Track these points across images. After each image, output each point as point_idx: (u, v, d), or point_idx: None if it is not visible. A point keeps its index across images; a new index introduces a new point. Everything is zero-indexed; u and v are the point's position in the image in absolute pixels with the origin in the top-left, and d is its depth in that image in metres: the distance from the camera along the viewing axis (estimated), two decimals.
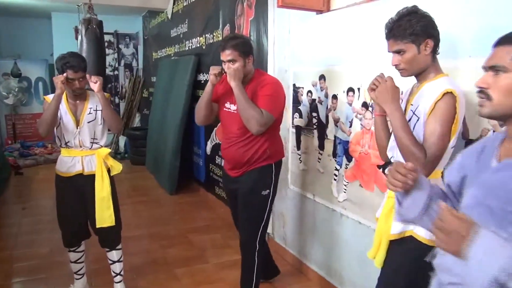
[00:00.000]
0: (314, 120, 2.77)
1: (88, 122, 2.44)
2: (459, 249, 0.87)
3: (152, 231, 3.83)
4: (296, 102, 2.96)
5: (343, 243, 2.56)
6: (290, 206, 3.13)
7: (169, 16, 5.70)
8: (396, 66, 1.56)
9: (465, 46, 1.70)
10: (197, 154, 5.02)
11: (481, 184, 1.03)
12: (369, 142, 2.28)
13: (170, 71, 5.49)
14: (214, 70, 2.27)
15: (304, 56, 2.84)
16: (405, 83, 1.69)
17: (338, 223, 2.59)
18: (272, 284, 2.84)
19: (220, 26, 4.13)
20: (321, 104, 2.69)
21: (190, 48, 5.07)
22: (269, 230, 3.31)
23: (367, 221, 2.32)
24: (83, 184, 2.46)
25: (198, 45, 4.78)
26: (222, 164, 2.84)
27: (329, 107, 2.61)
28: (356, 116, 2.37)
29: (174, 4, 5.51)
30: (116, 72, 7.81)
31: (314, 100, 2.76)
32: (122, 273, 2.66)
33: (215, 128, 4.35)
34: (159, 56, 6.46)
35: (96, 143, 2.48)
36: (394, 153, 1.64)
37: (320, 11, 2.67)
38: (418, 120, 1.51)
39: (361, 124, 2.34)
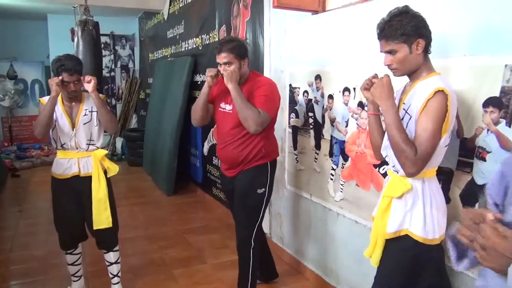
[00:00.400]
0: (311, 120, 2.78)
1: (84, 124, 2.43)
2: (504, 269, 0.83)
3: (149, 232, 3.82)
4: (293, 102, 2.97)
5: (340, 242, 2.57)
6: (287, 206, 3.14)
7: (165, 17, 5.70)
8: (389, 66, 1.57)
9: (460, 45, 1.71)
10: (194, 155, 5.02)
11: None
12: (365, 142, 2.29)
13: (167, 72, 5.48)
14: (210, 72, 2.30)
15: (300, 56, 2.85)
16: (398, 82, 1.70)
17: (335, 222, 2.60)
18: (270, 284, 2.85)
19: (216, 27, 4.13)
20: (317, 104, 2.70)
21: (186, 49, 5.07)
22: (266, 230, 3.31)
23: (363, 220, 2.33)
24: (79, 186, 2.44)
25: (195, 46, 4.79)
26: (219, 165, 2.84)
27: (325, 107, 2.62)
28: (352, 116, 2.38)
29: (170, 5, 5.51)
30: (112, 74, 7.81)
31: (310, 100, 2.77)
32: (119, 274, 2.66)
33: (212, 129, 4.35)
34: (155, 57, 6.46)
35: (92, 144, 2.47)
36: (388, 152, 1.65)
37: (315, 12, 2.68)
38: (410, 118, 1.52)
39: (357, 124, 2.35)
